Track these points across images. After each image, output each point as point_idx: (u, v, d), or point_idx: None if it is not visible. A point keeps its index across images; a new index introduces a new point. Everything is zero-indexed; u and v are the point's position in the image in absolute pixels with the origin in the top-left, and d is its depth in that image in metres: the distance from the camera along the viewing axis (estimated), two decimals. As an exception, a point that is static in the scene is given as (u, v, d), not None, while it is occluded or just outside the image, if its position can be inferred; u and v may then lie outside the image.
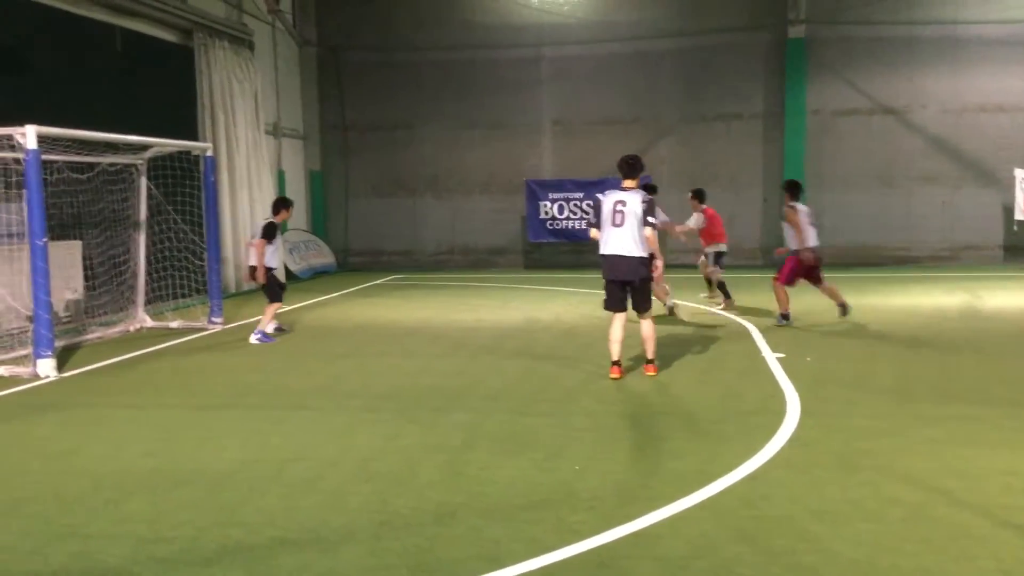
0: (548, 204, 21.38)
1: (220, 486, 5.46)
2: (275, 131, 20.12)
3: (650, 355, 8.52)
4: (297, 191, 21.54)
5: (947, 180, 20.37)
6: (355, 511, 4.97)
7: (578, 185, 21.26)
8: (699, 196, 13.42)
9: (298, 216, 21.64)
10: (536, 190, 21.43)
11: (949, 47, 20.14)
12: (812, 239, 11.25)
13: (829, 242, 20.65)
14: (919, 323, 11.74)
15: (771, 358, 9.30)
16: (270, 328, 11.34)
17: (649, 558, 4.23)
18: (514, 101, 21.90)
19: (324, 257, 21.53)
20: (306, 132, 22.23)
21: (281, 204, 11.53)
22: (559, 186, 21.44)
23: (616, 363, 8.41)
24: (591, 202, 21.20)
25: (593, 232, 8.45)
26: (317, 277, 20.22)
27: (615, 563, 4.19)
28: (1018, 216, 18.97)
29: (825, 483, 5.31)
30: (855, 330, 11.23)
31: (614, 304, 8.37)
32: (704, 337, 10.80)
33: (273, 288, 11.22)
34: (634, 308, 8.35)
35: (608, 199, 8.28)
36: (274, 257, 11.17)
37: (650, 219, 8.12)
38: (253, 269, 11.11)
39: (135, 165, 12.48)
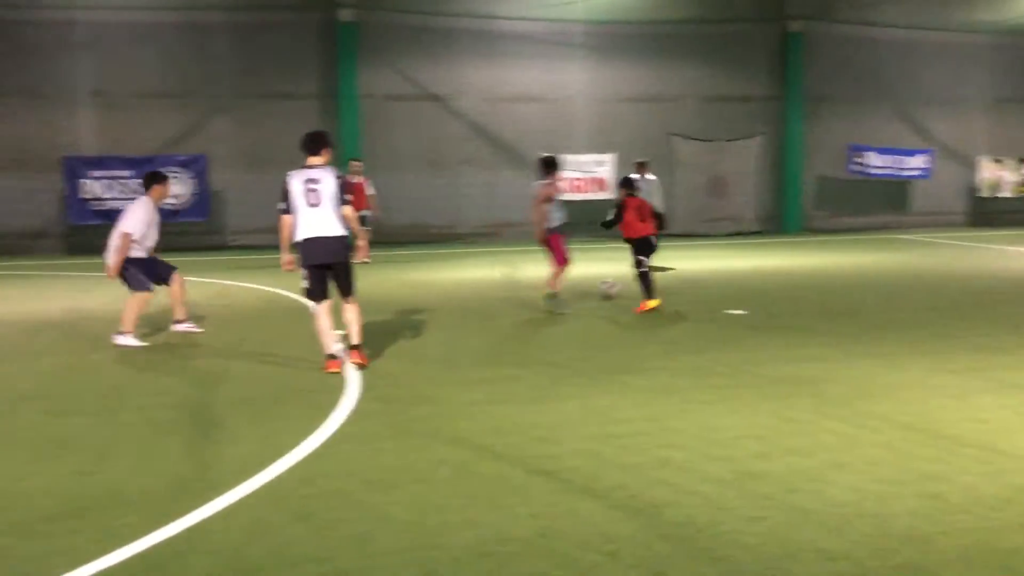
0: (91, 183, 19.58)
1: None
2: None
3: (355, 340, 7.88)
4: None
5: (487, 163, 22.27)
6: None
7: (126, 162, 19.75)
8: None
9: None
10: (76, 167, 19.49)
11: (485, 40, 21.95)
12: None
13: (384, 221, 21.66)
14: (465, 295, 12.70)
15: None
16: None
17: (202, 552, 4.07)
18: (44, 68, 19.67)
19: None
20: None
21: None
22: (103, 163, 19.72)
23: (332, 356, 7.76)
24: (142, 180, 19.81)
25: (286, 218, 7.70)
26: None
27: (164, 564, 3.96)
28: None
29: (381, 452, 5.52)
30: (408, 304, 11.82)
31: (320, 292, 7.79)
32: (266, 317, 10.66)
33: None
34: (339, 293, 7.80)
35: (296, 179, 7.65)
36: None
37: (346, 196, 7.69)
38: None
39: None
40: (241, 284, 13.83)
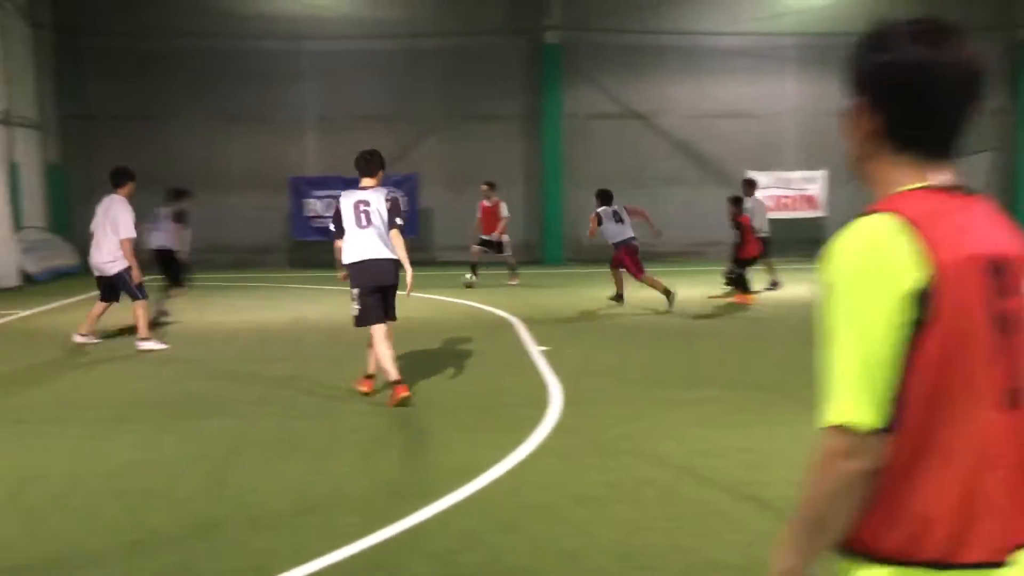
0: (313, 201, 20.96)
1: (-55, 514, 4.91)
2: (6, 119, 18.31)
3: (394, 376, 7.30)
4: (33, 186, 19.76)
5: (690, 181, 21.96)
6: (105, 530, 4.63)
7: (345, 182, 20.85)
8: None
9: (35, 213, 19.89)
10: (301, 187, 20.94)
11: (690, 57, 21.71)
12: (613, 236, 13.20)
13: (584, 241, 21.78)
14: (667, 314, 12.54)
15: (535, 351, 9.61)
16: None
17: (419, 554, 4.25)
18: (275, 95, 21.28)
19: (66, 258, 19.85)
20: (42, 122, 20.40)
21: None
22: (325, 183, 21.06)
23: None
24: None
25: (337, 243, 7.47)
26: (59, 279, 18.64)
27: (386, 562, 4.17)
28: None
29: (586, 469, 5.56)
30: (609, 322, 11.84)
31: (374, 315, 7.35)
32: (470, 331, 10.98)
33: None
34: (387, 316, 7.48)
35: (347, 201, 7.42)
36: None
37: (397, 220, 7.43)
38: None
39: None
40: (447, 299, 14.33)
